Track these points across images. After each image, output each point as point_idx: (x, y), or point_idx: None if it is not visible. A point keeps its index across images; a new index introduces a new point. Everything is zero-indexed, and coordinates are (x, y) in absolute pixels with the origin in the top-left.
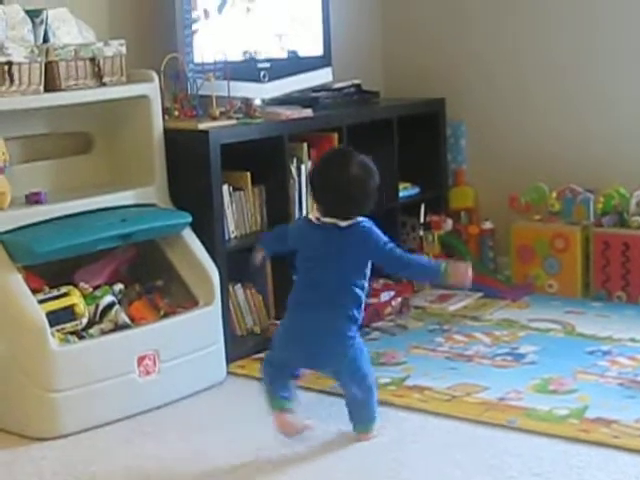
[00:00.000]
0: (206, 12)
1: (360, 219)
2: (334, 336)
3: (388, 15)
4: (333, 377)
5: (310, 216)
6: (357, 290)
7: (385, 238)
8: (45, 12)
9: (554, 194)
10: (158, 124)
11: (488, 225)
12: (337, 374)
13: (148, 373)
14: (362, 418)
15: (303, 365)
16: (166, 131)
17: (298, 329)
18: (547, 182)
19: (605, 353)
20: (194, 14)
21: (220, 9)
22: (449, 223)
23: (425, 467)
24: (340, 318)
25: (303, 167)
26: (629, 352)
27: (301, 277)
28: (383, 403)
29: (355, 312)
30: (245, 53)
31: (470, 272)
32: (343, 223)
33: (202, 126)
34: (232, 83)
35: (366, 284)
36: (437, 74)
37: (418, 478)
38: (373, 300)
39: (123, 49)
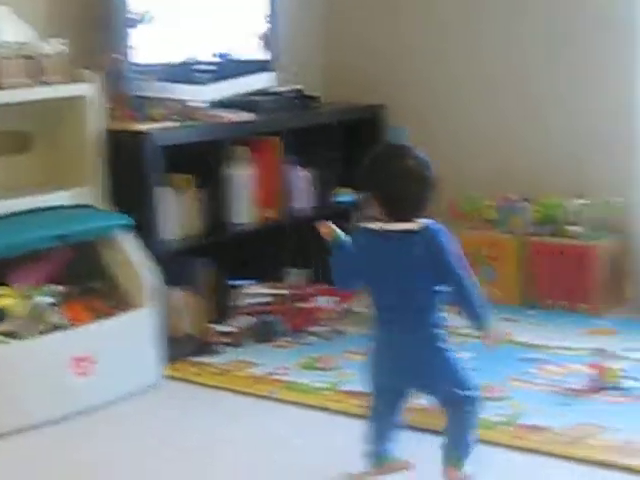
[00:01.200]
0: (148, 13)
1: (427, 221)
2: (429, 349)
3: (330, 21)
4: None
5: (371, 225)
6: (436, 298)
7: (454, 249)
8: None
9: (490, 202)
10: (98, 125)
11: None
12: (436, 390)
13: (83, 374)
14: (454, 444)
15: (407, 385)
16: (105, 132)
17: (395, 350)
18: (484, 190)
19: (539, 361)
20: (135, 15)
21: (162, 11)
22: None
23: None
24: (428, 330)
25: (243, 170)
26: (562, 360)
27: (376, 293)
28: (317, 408)
29: (440, 322)
30: (187, 55)
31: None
32: (412, 227)
33: (142, 127)
34: (173, 85)
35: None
36: (378, 80)
37: None
38: (310, 304)
39: (63, 48)
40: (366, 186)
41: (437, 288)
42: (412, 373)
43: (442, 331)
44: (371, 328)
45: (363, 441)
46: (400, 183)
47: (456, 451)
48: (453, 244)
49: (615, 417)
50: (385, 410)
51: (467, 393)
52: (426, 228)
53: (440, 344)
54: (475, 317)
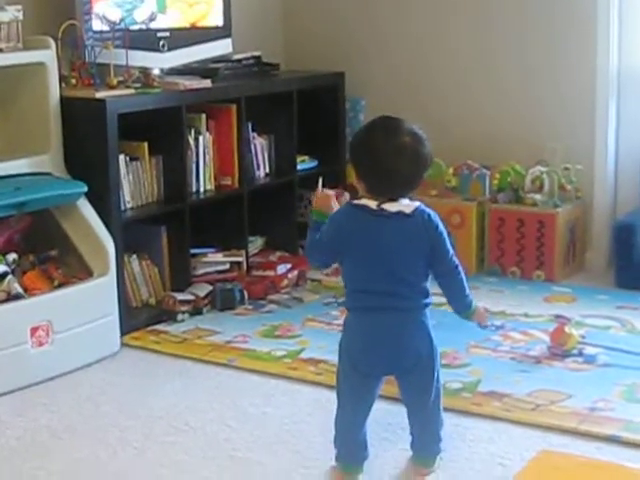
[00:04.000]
0: None
1: (418, 204)
2: (418, 330)
3: None
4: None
5: (362, 202)
6: (425, 283)
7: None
8: None
9: (451, 170)
10: (54, 92)
11: None
12: (412, 375)
13: (41, 344)
14: (427, 442)
15: (385, 371)
16: (63, 99)
17: (378, 333)
18: (444, 158)
19: (498, 327)
20: None
21: None
22: (346, 197)
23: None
24: (418, 311)
25: (201, 138)
26: (522, 327)
27: (362, 274)
28: (277, 376)
29: (428, 307)
30: (144, 22)
31: (487, 315)
32: (408, 209)
33: (99, 95)
34: (131, 52)
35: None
36: (338, 48)
37: None
38: (269, 273)
39: (20, 15)
40: (356, 161)
41: (426, 271)
42: (394, 354)
43: (427, 312)
44: (349, 308)
45: (336, 435)
46: (395, 161)
47: (431, 450)
48: (445, 228)
49: (575, 384)
50: (359, 394)
51: (438, 385)
52: (422, 211)
53: (427, 328)
54: (464, 304)
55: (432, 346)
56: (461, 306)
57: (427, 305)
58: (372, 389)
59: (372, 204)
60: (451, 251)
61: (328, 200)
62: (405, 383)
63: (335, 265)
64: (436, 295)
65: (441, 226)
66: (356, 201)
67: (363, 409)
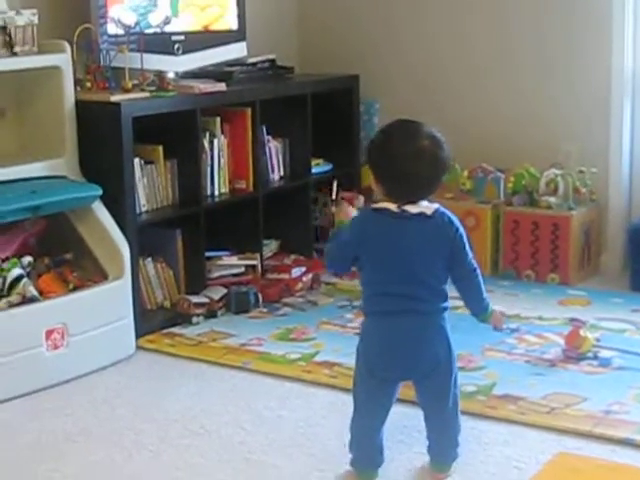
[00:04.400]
0: None
1: (437, 206)
2: (437, 334)
3: None
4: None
5: (382, 205)
6: (444, 286)
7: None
8: None
9: (465, 173)
10: (70, 95)
11: None
12: (430, 380)
13: (56, 347)
14: (444, 447)
15: (402, 375)
16: (78, 103)
17: (396, 338)
18: (459, 161)
19: (513, 331)
20: None
21: None
22: (361, 200)
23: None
24: (437, 315)
25: (216, 141)
26: (536, 330)
27: (382, 277)
28: (292, 379)
29: (446, 310)
30: (159, 25)
31: (503, 318)
32: (428, 211)
33: (114, 98)
34: (146, 55)
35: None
36: (352, 51)
37: None
38: (284, 276)
39: (35, 19)
40: (375, 165)
41: (445, 273)
42: (412, 358)
43: (446, 316)
44: (366, 312)
45: (352, 439)
46: (414, 164)
47: (448, 455)
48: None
49: (590, 387)
50: (376, 399)
51: (456, 391)
52: (442, 213)
53: (445, 332)
54: (482, 308)
55: (450, 351)
56: (478, 309)
57: (445, 309)
58: (389, 394)
59: (393, 207)
60: (470, 254)
61: (348, 212)
62: (423, 388)
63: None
64: (451, 298)
65: (461, 228)
66: (376, 205)
67: (380, 414)
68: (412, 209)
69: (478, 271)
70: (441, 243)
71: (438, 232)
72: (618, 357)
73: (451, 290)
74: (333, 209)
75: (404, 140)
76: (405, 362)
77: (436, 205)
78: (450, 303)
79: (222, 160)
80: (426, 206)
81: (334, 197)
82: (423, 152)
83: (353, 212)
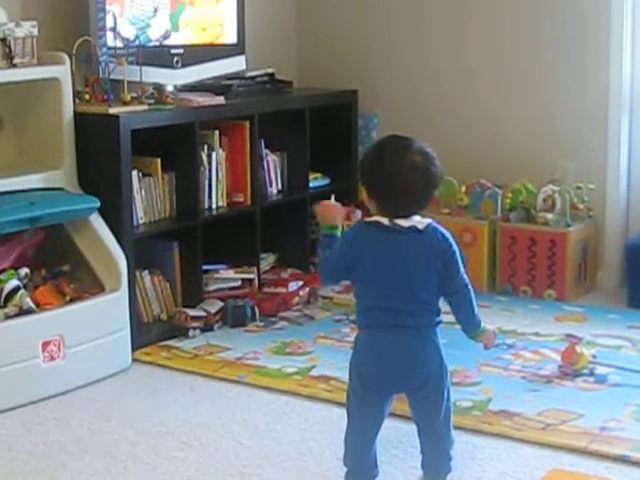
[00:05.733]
0: None
1: (430, 221)
2: (428, 348)
3: (303, 5)
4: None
5: (374, 219)
6: (437, 302)
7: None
8: None
9: (463, 188)
10: (68, 107)
11: None
12: (422, 393)
13: (52, 359)
14: (437, 461)
15: (395, 389)
16: (76, 115)
17: (388, 351)
18: (456, 176)
19: (509, 346)
20: None
21: None
22: (358, 214)
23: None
24: (429, 329)
25: (214, 154)
26: (533, 346)
27: (375, 291)
28: (288, 393)
29: (438, 325)
30: (158, 39)
31: (495, 338)
32: (420, 226)
33: (113, 111)
34: (145, 68)
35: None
36: (351, 66)
37: None
38: (281, 289)
39: (35, 30)
40: (367, 179)
41: (438, 289)
42: (405, 371)
43: (438, 331)
44: (360, 326)
45: (346, 453)
46: (406, 179)
47: (441, 469)
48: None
49: (585, 403)
50: (369, 412)
51: (448, 404)
52: (434, 228)
53: (437, 346)
54: (472, 324)
55: (442, 364)
56: (469, 325)
57: (438, 323)
58: (382, 407)
59: (384, 220)
60: (462, 269)
61: (331, 210)
62: (415, 401)
63: (346, 282)
64: (448, 314)
65: (454, 244)
66: (368, 218)
67: (373, 427)
68: (403, 223)
69: (470, 287)
70: (434, 258)
71: (431, 247)
72: (614, 374)
73: (446, 306)
74: (317, 209)
75: (395, 156)
76: (397, 375)
77: (429, 220)
78: (447, 318)
79: (220, 173)
80: (418, 221)
81: None
82: (415, 167)
83: (338, 215)
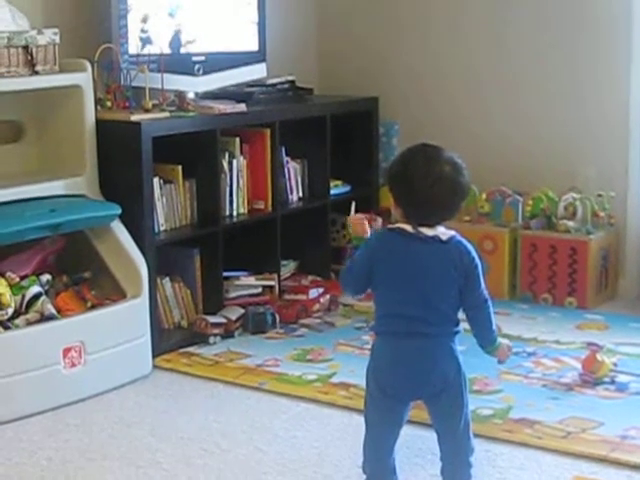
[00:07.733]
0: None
1: (454, 233)
2: (446, 354)
3: (323, 12)
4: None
5: (397, 226)
6: (456, 314)
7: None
8: None
9: (484, 196)
10: (90, 114)
11: None
12: (440, 399)
13: (73, 365)
14: (457, 468)
15: (412, 395)
16: (98, 122)
17: (405, 357)
18: (477, 184)
19: (530, 354)
20: (129, 4)
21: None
22: (379, 222)
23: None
24: (447, 337)
25: (235, 162)
26: (553, 354)
27: (395, 298)
28: (308, 400)
29: (457, 334)
30: (180, 46)
31: (510, 352)
32: (444, 236)
33: (134, 118)
34: (166, 75)
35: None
36: (371, 73)
37: None
38: (301, 297)
39: (57, 38)
40: (394, 186)
41: (457, 301)
42: (422, 377)
43: (456, 339)
44: (378, 332)
45: (364, 460)
46: (433, 189)
47: (461, 476)
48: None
49: (606, 412)
50: (387, 419)
51: (467, 411)
52: (458, 241)
53: (454, 352)
54: (489, 340)
55: (460, 371)
56: (486, 341)
57: (456, 333)
58: (400, 414)
59: (408, 227)
60: (483, 284)
61: (363, 224)
62: (433, 408)
63: (368, 291)
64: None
65: (477, 258)
66: (391, 225)
67: (391, 434)
68: (427, 232)
69: (489, 303)
70: (454, 270)
71: (452, 259)
72: (635, 382)
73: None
74: (348, 221)
75: (424, 165)
76: (414, 381)
77: (452, 232)
78: (467, 326)
79: (241, 180)
80: (442, 231)
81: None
82: (443, 178)
83: (368, 228)
